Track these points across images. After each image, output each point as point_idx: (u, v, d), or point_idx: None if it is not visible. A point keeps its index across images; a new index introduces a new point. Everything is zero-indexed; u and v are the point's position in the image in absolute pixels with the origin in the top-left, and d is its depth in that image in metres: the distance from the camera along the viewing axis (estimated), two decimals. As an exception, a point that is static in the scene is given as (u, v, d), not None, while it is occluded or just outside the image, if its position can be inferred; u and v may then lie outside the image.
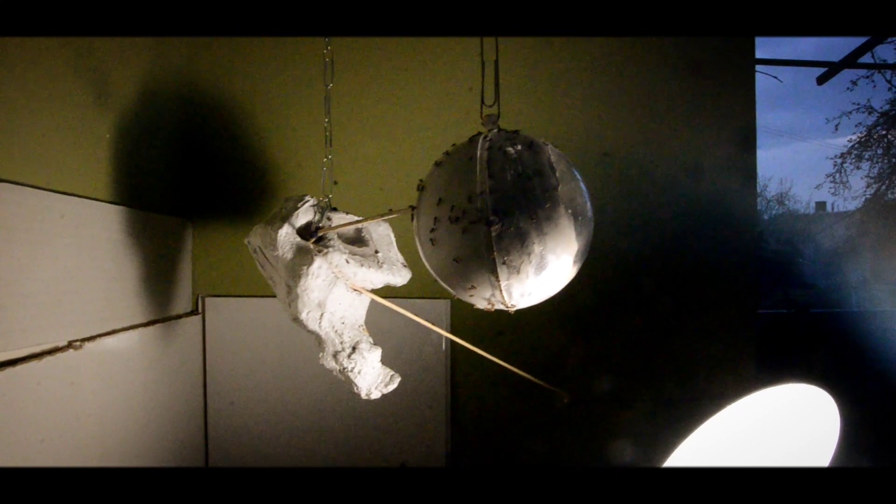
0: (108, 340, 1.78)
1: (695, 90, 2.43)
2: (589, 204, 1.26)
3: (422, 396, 2.40)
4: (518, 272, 1.09)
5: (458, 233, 1.11)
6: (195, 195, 2.41)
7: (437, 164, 1.24)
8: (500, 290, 1.13)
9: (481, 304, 1.23)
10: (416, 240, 1.29)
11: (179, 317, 2.27)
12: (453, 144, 1.28)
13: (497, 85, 1.23)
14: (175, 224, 2.30)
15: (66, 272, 1.61)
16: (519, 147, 1.14)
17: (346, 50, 2.37)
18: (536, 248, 1.08)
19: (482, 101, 1.23)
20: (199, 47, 2.42)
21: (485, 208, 1.08)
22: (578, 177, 1.26)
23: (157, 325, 2.08)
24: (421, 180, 1.29)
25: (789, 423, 1.23)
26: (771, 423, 1.26)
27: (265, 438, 2.45)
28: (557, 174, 1.14)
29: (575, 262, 1.17)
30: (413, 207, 1.26)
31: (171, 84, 2.29)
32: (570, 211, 1.12)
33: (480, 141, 1.16)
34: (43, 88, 1.55)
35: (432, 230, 1.17)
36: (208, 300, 2.43)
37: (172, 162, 2.31)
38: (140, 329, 1.97)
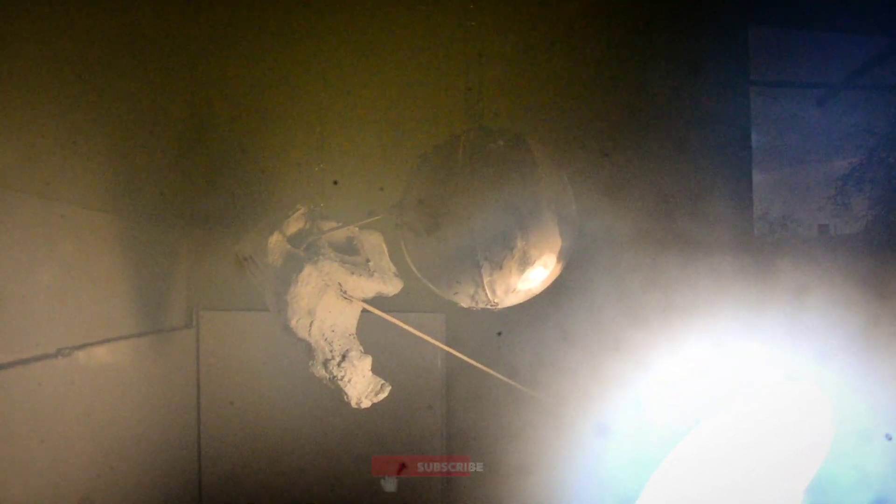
0: (99, 350, 1.77)
1: (693, 91, 2.44)
2: (575, 207, 1.26)
3: (418, 407, 2.36)
4: (501, 268, 1.09)
5: (439, 230, 1.11)
6: (192, 207, 2.40)
7: (421, 160, 1.25)
8: (484, 287, 1.12)
9: (465, 303, 1.22)
10: (401, 240, 1.29)
11: (173, 330, 2.26)
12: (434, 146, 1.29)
13: (479, 84, 1.25)
14: (171, 236, 2.30)
15: (58, 280, 1.61)
16: (501, 143, 1.15)
17: (345, 51, 2.39)
18: (519, 244, 1.08)
19: (467, 94, 1.24)
20: (196, 59, 2.44)
21: (466, 205, 1.08)
22: (566, 179, 1.26)
23: (150, 337, 2.08)
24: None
25: (785, 419, 1.21)
26: (768, 420, 1.25)
27: (260, 451, 2.41)
28: (540, 170, 1.14)
29: (559, 259, 1.17)
30: (396, 207, 1.26)
31: (167, 95, 2.31)
32: (553, 207, 1.12)
33: (462, 138, 1.17)
34: (41, 99, 1.57)
35: (415, 229, 1.17)
36: (204, 314, 2.41)
37: (169, 174, 2.32)
38: (133, 340, 1.96)
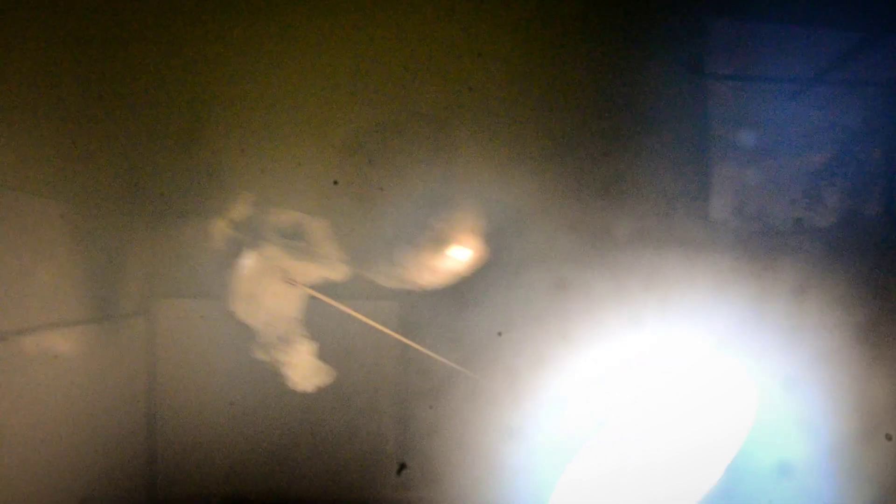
0: (44, 335, 1.75)
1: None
2: (502, 188, 1.27)
3: (376, 393, 2.35)
4: (417, 247, 1.10)
5: (357, 209, 1.12)
6: (147, 193, 2.36)
7: (353, 146, 1.26)
8: (404, 267, 1.13)
9: (388, 283, 1.23)
10: (331, 222, 1.30)
11: (126, 317, 2.24)
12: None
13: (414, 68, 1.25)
14: (125, 221, 2.27)
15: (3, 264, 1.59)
16: (425, 126, 1.15)
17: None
18: (434, 224, 1.09)
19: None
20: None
21: (387, 187, 1.09)
22: (496, 163, 1.27)
23: (100, 324, 2.05)
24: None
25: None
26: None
27: (217, 445, 2.39)
28: (462, 152, 1.15)
29: (484, 240, 1.18)
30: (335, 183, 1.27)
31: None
32: (473, 188, 1.13)
33: (389, 122, 1.18)
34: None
35: (342, 211, 1.18)
36: (159, 301, 2.38)
37: (126, 160, 2.28)
38: (81, 326, 1.94)
